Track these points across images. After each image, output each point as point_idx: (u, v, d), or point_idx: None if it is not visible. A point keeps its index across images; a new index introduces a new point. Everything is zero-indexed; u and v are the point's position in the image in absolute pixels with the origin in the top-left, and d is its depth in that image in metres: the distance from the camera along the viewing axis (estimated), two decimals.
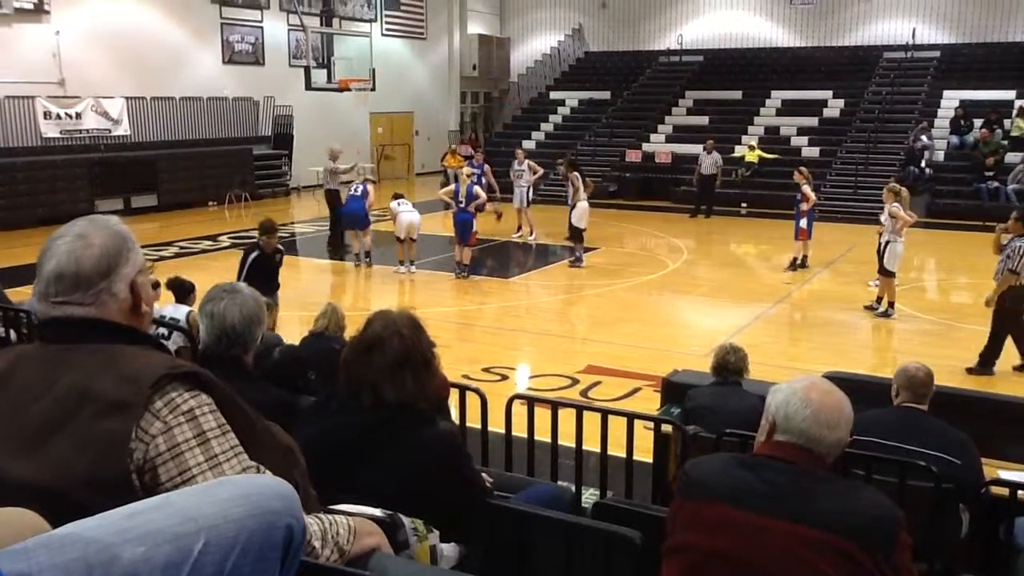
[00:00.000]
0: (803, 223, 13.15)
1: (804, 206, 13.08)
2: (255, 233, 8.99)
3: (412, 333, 2.54)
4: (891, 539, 2.01)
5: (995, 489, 3.75)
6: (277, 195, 22.57)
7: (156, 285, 7.53)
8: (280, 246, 8.84)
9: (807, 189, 13.09)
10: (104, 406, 1.41)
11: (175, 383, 1.46)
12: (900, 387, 3.99)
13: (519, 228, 16.33)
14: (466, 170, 13.94)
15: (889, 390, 4.05)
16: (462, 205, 12.73)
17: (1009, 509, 3.61)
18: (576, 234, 13.74)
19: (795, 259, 13.43)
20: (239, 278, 8.22)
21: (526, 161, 16.21)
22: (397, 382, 2.46)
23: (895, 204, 10.50)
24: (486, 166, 16.44)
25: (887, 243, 10.54)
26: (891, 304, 10.65)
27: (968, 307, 12.16)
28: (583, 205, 13.70)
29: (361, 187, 13.36)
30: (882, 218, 10.84)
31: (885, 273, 10.57)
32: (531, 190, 16.15)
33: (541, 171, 16.27)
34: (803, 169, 13.60)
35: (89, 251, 1.53)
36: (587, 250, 14.14)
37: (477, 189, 12.97)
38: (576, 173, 13.97)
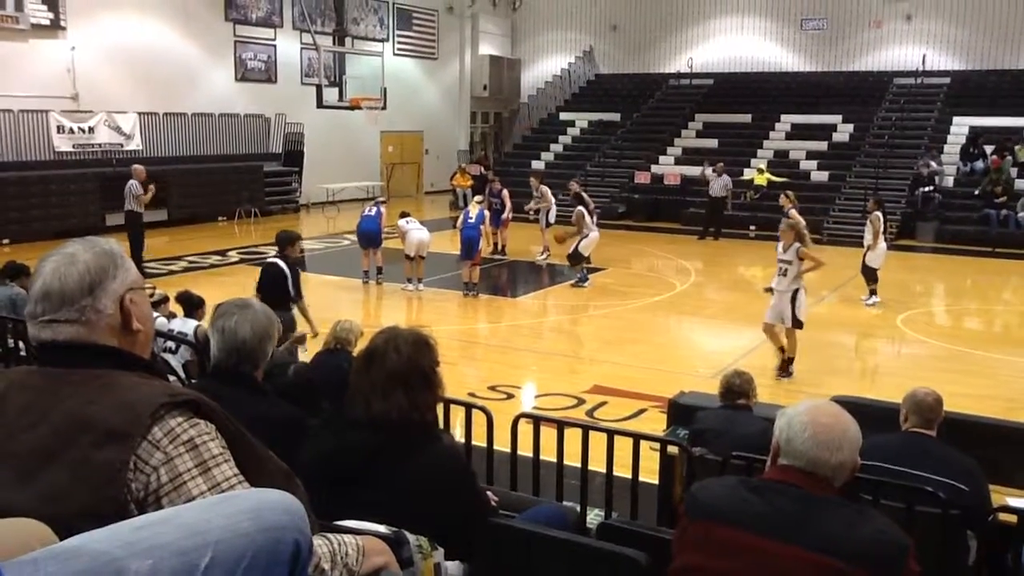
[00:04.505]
0: None
1: None
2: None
3: (411, 349, 2.54)
4: (898, 566, 2.00)
5: (1003, 516, 3.72)
6: (287, 211, 22.67)
7: (165, 300, 7.61)
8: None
9: (794, 213, 13.11)
10: (101, 435, 1.39)
11: (174, 412, 1.44)
12: (908, 412, 3.97)
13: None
14: (477, 198, 14.60)
15: (897, 415, 4.03)
16: (471, 222, 12.89)
17: (1017, 536, 3.58)
18: (578, 257, 13.71)
19: None
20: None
21: (541, 187, 16.41)
22: (389, 397, 2.46)
23: (798, 244, 8.93)
24: (505, 191, 16.56)
25: (795, 291, 8.89)
26: (790, 360, 9.13)
27: (977, 333, 12.13)
28: (595, 234, 13.77)
29: (375, 208, 13.73)
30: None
31: (796, 325, 9.00)
32: (550, 213, 16.29)
33: (549, 203, 16.33)
34: (789, 193, 13.77)
35: (73, 268, 1.51)
36: (593, 270, 14.14)
37: (486, 214, 13.61)
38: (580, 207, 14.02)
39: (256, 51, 22.71)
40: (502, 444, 4.72)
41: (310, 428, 2.78)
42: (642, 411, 7.81)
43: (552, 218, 16.29)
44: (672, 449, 4.71)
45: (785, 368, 9.11)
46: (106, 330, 1.54)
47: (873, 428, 3.16)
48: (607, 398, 8.23)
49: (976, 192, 19.71)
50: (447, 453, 2.52)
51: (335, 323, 5.91)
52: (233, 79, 22.20)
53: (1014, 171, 19.95)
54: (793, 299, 8.90)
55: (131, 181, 13.86)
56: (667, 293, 13.60)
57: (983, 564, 3.74)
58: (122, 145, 19.14)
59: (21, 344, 6.26)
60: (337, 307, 12.58)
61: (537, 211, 16.57)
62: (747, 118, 24.49)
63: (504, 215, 16.47)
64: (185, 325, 7.08)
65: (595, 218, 14.34)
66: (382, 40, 25.92)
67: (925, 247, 18.63)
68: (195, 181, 20.19)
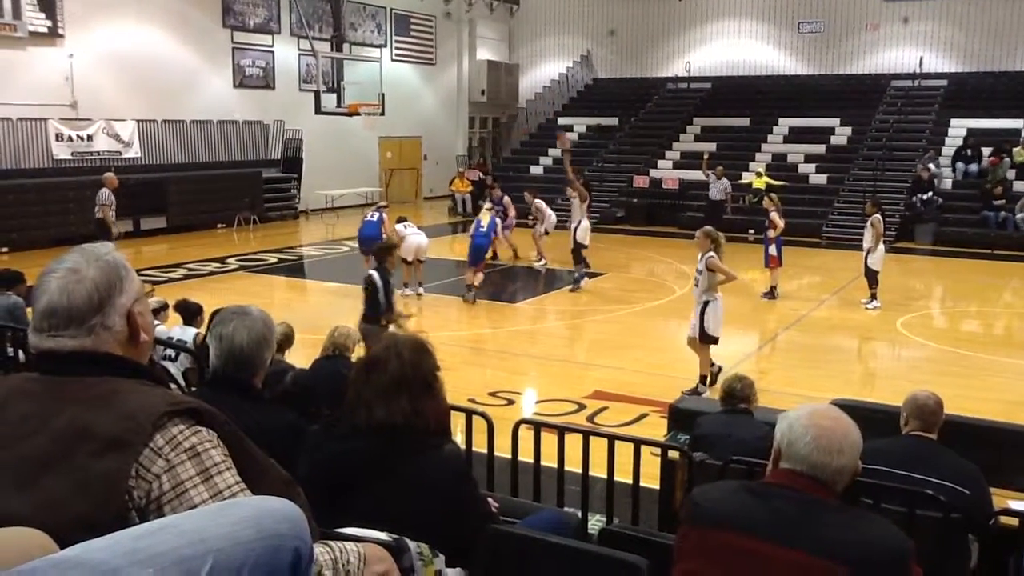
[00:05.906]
0: (772, 250, 13.19)
1: (772, 233, 13.16)
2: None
3: (412, 356, 2.54)
4: (900, 570, 1.99)
5: (1004, 520, 3.71)
6: (286, 218, 22.67)
7: (164, 307, 7.60)
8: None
9: (775, 216, 13.17)
10: (102, 444, 1.38)
11: (176, 419, 1.43)
12: (909, 415, 3.96)
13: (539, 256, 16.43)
14: (487, 205, 14.75)
15: (897, 418, 4.03)
16: (482, 230, 13.07)
17: (1018, 540, 3.57)
18: (578, 250, 13.72)
19: (773, 287, 13.35)
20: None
21: (536, 201, 16.46)
22: (392, 403, 2.45)
23: (711, 254, 8.37)
24: (506, 198, 16.61)
25: (705, 303, 8.35)
26: (703, 379, 8.51)
27: (977, 336, 12.13)
28: (585, 223, 13.80)
29: (377, 214, 13.74)
30: (865, 242, 10.27)
31: (706, 340, 8.47)
32: (547, 222, 16.37)
33: (546, 216, 16.41)
34: (773, 196, 14.01)
35: (80, 285, 1.49)
36: (592, 275, 14.13)
37: (498, 221, 14.03)
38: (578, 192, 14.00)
39: (254, 57, 22.73)
40: (503, 450, 4.71)
41: (310, 435, 2.78)
42: (643, 416, 7.80)
43: (550, 228, 16.31)
44: (673, 454, 4.71)
45: (701, 383, 8.42)
46: (112, 343, 1.53)
47: (874, 432, 3.16)
48: (608, 403, 8.22)
49: (980, 192, 19.70)
50: (448, 460, 2.52)
51: (332, 329, 5.91)
52: (231, 86, 22.22)
53: (1012, 173, 19.98)
54: (703, 312, 8.39)
55: (102, 189, 13.71)
56: (667, 298, 13.59)
57: (984, 568, 3.73)
58: (121, 153, 19.16)
59: (20, 352, 6.26)
60: (337, 313, 12.57)
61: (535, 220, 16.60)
62: (745, 122, 24.52)
63: (508, 221, 16.49)
64: (185, 333, 7.08)
65: (588, 203, 14.15)
66: (380, 46, 25.94)
67: (924, 249, 18.65)
68: (194, 188, 20.19)
